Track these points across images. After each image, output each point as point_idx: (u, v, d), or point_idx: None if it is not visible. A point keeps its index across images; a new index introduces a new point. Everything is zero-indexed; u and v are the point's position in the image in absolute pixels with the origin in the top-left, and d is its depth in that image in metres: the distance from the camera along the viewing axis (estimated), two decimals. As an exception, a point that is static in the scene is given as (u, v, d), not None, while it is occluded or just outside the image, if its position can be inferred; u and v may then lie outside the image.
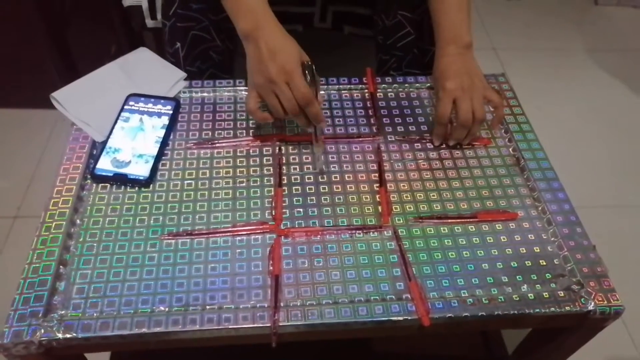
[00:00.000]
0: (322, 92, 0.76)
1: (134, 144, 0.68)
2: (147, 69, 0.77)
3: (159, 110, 0.71)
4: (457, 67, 0.69)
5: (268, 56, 0.62)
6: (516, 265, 0.59)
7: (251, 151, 0.69)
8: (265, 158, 0.68)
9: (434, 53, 0.71)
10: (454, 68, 0.69)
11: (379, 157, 0.69)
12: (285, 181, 0.66)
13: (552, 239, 0.62)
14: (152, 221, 0.61)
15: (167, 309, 0.53)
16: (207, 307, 0.54)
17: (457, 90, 0.67)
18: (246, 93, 0.76)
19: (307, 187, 0.65)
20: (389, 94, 0.78)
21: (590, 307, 0.55)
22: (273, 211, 0.62)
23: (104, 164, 0.65)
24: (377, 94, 0.78)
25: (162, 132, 0.69)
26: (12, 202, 1.19)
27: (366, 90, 0.78)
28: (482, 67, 0.81)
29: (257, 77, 0.63)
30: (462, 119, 0.66)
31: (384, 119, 0.74)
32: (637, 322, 1.06)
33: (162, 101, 0.72)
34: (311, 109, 0.63)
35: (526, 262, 0.59)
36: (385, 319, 0.54)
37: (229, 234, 0.60)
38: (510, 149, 0.72)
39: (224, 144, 0.69)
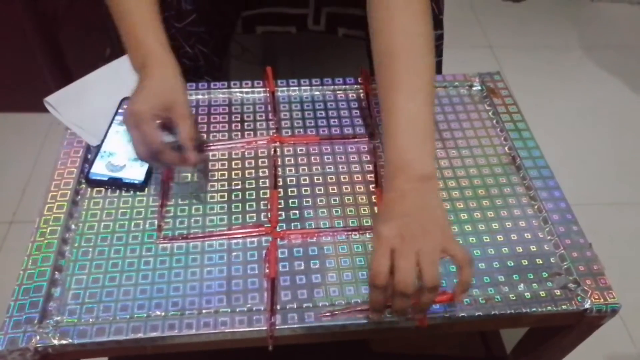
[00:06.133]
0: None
1: (128, 147, 0.67)
2: (141, 72, 0.77)
3: (154, 114, 0.71)
4: (402, 206, 0.50)
5: (138, 92, 0.56)
6: (513, 264, 0.59)
7: (246, 153, 0.69)
8: (260, 160, 0.68)
9: None
10: (397, 208, 0.50)
11: (374, 158, 0.68)
12: (280, 183, 0.65)
13: (549, 237, 0.62)
14: (147, 225, 0.60)
15: (163, 314, 0.53)
16: (204, 311, 0.53)
17: (396, 239, 0.47)
18: (241, 95, 0.76)
19: (303, 189, 0.65)
20: (384, 94, 0.78)
21: (587, 306, 0.55)
22: (269, 213, 0.62)
23: (99, 168, 0.65)
24: (373, 94, 0.78)
25: (156, 136, 0.69)
26: (7, 207, 1.19)
27: (361, 91, 0.78)
28: (478, 65, 0.81)
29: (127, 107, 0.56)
30: (398, 281, 0.46)
31: (380, 119, 0.74)
32: (634, 319, 1.06)
33: (156, 104, 0.72)
34: (162, 157, 0.56)
35: (523, 261, 0.59)
36: (383, 320, 0.53)
37: (224, 237, 0.60)
38: (506, 148, 0.71)
39: (218, 147, 0.69)
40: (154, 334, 0.51)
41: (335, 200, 0.64)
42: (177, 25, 0.78)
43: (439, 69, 0.88)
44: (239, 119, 0.73)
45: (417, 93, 0.53)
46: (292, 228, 0.61)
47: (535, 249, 0.60)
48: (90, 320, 0.52)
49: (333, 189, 0.65)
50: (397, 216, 0.49)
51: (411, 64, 0.54)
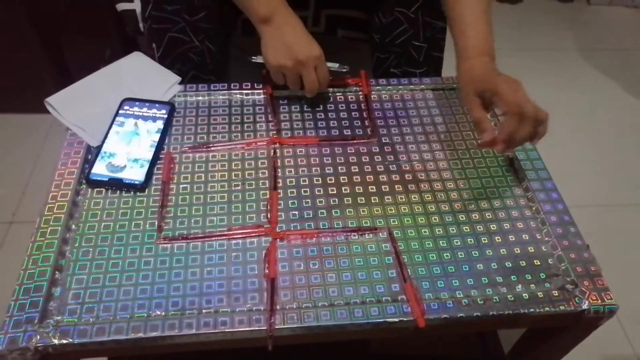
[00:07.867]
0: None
1: (129, 148, 0.68)
2: (141, 73, 0.77)
3: (154, 115, 0.71)
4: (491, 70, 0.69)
5: (294, 41, 0.68)
6: (510, 265, 0.59)
7: (246, 154, 0.69)
8: (260, 161, 0.69)
9: (426, 50, 0.71)
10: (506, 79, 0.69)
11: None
12: (280, 184, 0.66)
13: (546, 238, 0.62)
14: (147, 225, 0.61)
15: (163, 313, 0.53)
16: (204, 310, 0.54)
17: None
18: (241, 97, 0.77)
19: (302, 190, 0.65)
20: (383, 96, 0.79)
21: (585, 306, 0.56)
22: (268, 214, 0.62)
23: (99, 169, 0.65)
24: (372, 96, 0.78)
25: (157, 137, 0.69)
26: (7, 207, 1.19)
27: (360, 93, 0.78)
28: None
29: (283, 59, 0.68)
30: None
31: (378, 121, 0.74)
32: (632, 320, 1.06)
33: (156, 105, 0.73)
34: (322, 89, 0.72)
35: (520, 262, 0.60)
36: (381, 320, 0.54)
37: (224, 237, 0.60)
38: (504, 150, 0.72)
39: (219, 148, 0.70)
40: (154, 334, 0.52)
41: (334, 201, 0.64)
42: (187, 18, 0.78)
43: (440, 66, 0.88)
44: (239, 121, 0.73)
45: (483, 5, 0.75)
46: (292, 229, 0.61)
47: (533, 250, 0.61)
48: (91, 319, 0.53)
49: (332, 190, 0.66)
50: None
51: None
